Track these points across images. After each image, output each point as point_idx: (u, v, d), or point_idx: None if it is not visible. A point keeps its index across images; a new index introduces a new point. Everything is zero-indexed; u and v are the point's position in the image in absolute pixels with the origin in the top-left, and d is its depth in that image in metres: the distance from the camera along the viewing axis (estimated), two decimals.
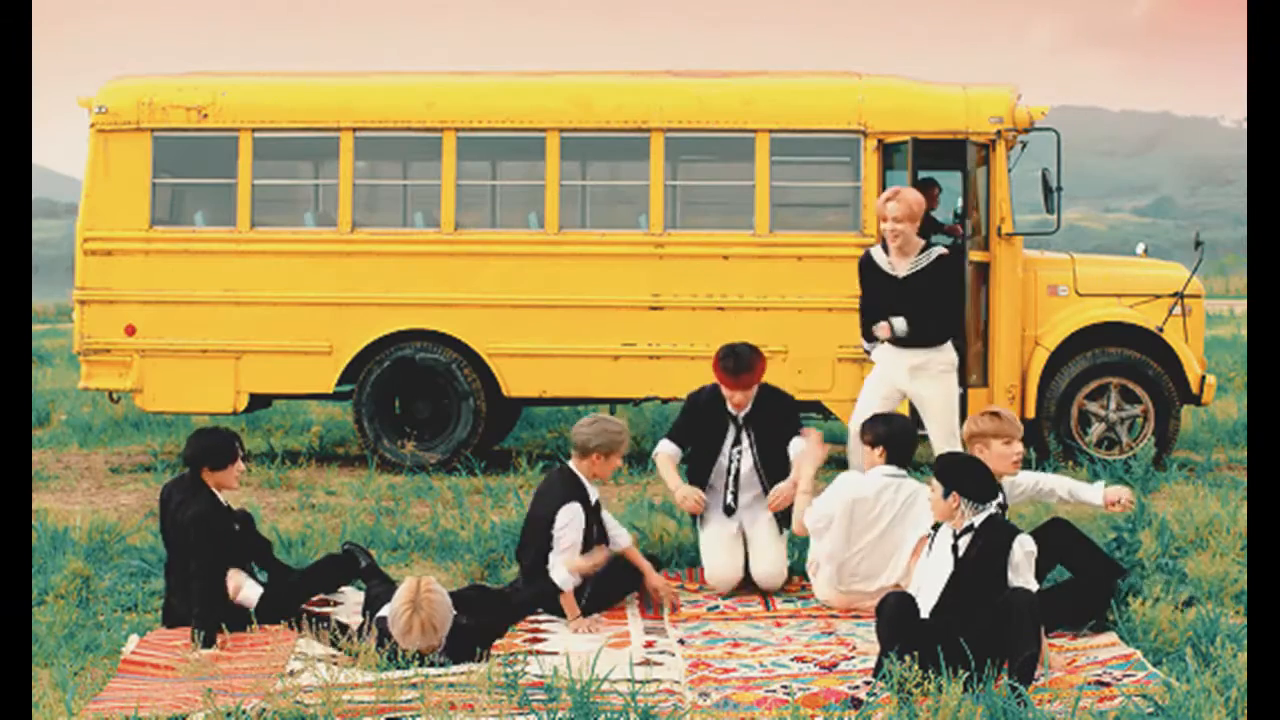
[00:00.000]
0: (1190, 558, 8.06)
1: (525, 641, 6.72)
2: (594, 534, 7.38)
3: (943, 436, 8.31)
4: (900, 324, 8.28)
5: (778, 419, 7.86)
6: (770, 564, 7.73)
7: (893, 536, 7.28)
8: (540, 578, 7.18)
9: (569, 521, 7.22)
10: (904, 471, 7.42)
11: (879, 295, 8.37)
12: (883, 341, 8.33)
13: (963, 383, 11.79)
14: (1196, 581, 7.42)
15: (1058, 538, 6.97)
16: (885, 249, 8.38)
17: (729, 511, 7.77)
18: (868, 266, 8.44)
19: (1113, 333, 11.97)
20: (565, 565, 7.13)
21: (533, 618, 7.16)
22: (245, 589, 6.75)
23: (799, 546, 7.99)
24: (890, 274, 8.32)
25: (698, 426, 7.91)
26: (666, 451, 7.90)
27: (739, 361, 7.68)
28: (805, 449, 7.73)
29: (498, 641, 6.64)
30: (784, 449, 7.81)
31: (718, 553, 7.76)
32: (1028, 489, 7.23)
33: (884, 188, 11.87)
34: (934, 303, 8.27)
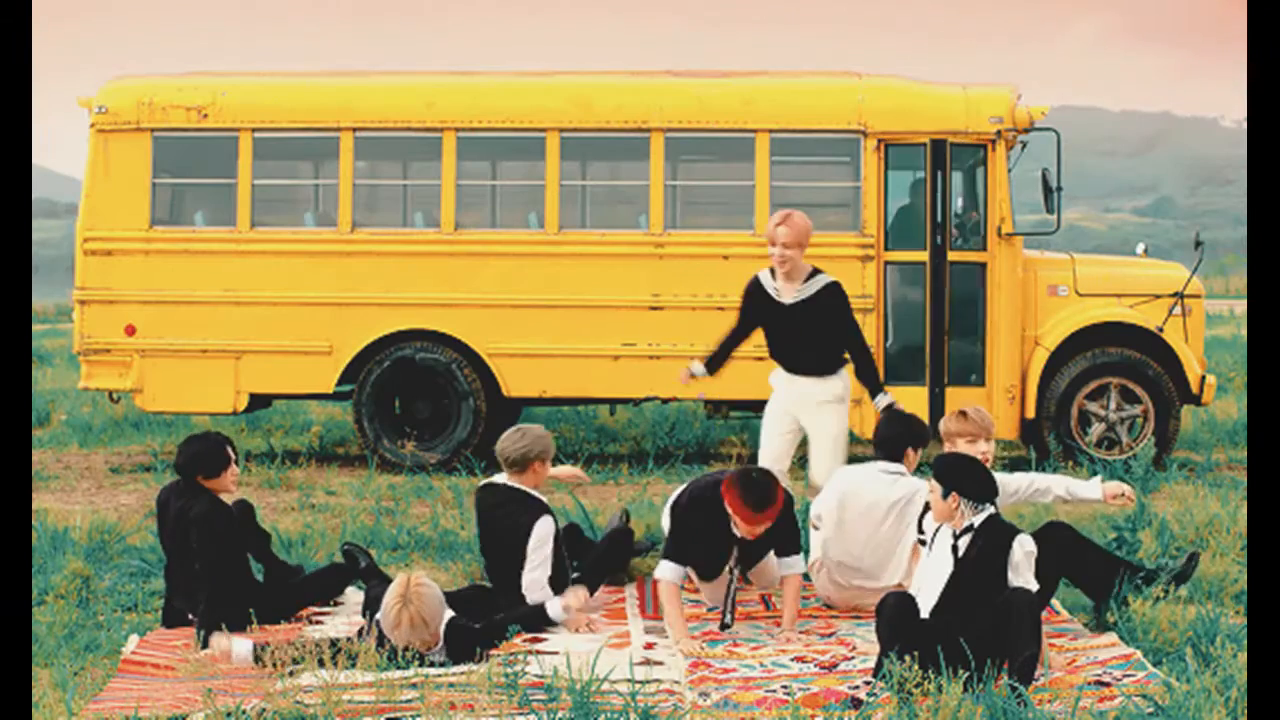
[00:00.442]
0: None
1: (525, 641, 6.72)
2: (562, 550, 7.40)
3: (822, 472, 7.81)
4: (698, 367, 8.11)
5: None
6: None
7: (888, 534, 7.26)
8: (521, 598, 7.14)
9: (545, 537, 7.18)
10: (902, 468, 7.42)
11: (764, 321, 8.04)
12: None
13: (964, 382, 11.82)
14: (1197, 581, 7.42)
15: (1057, 539, 6.96)
16: (773, 274, 8.01)
17: (724, 628, 6.93)
18: (754, 292, 8.05)
19: (1113, 333, 11.97)
20: (559, 604, 7.00)
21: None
22: (235, 649, 6.55)
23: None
24: (777, 300, 7.98)
25: (699, 548, 7.05)
26: (670, 579, 6.90)
27: (762, 496, 6.74)
28: (788, 594, 7.04)
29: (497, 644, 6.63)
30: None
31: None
32: (1022, 490, 7.19)
33: (884, 188, 11.89)
34: (820, 332, 7.92)
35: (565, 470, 8.14)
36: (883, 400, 7.96)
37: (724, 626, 6.89)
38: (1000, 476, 7.05)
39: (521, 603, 7.10)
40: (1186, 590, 7.21)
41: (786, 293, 7.96)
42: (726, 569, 7.01)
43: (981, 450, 7.07)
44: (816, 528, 7.42)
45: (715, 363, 8.25)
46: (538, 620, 6.92)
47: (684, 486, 7.25)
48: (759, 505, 6.72)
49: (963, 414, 7.20)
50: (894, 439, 7.45)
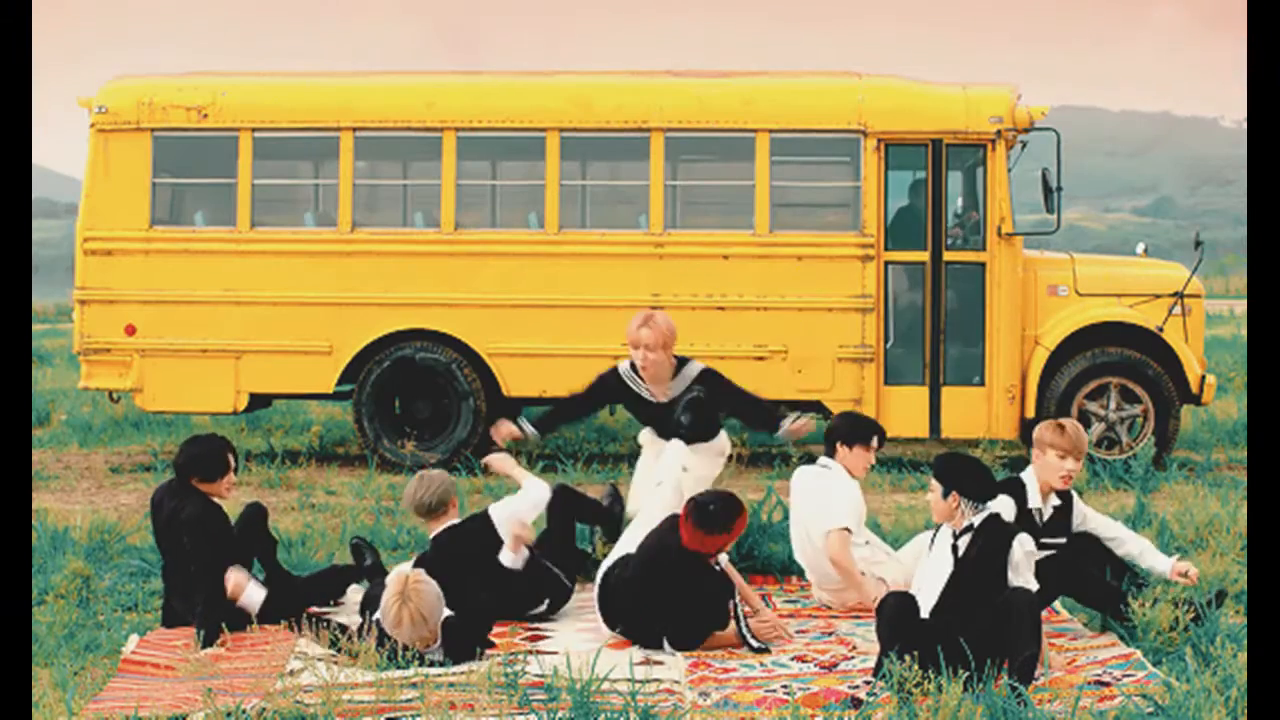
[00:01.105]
0: (1190, 558, 8.06)
1: (525, 640, 6.72)
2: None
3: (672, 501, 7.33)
4: (529, 427, 8.05)
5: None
6: None
7: (815, 525, 7.34)
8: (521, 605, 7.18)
9: (503, 518, 7.22)
10: (830, 463, 7.47)
11: (634, 410, 7.97)
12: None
13: (964, 382, 11.83)
14: (1196, 581, 7.40)
15: (1079, 547, 6.95)
16: (635, 371, 7.85)
17: (764, 650, 6.63)
18: (617, 386, 7.92)
19: (1113, 333, 11.97)
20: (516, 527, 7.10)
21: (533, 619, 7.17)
22: (248, 590, 6.64)
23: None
24: (650, 400, 7.85)
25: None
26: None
27: (723, 515, 6.64)
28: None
29: (497, 643, 6.62)
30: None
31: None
32: (1100, 530, 7.04)
33: (884, 188, 11.89)
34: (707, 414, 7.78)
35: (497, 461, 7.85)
36: (785, 424, 7.97)
37: (763, 649, 6.57)
38: (1089, 512, 7.08)
39: (539, 589, 7.17)
40: (1186, 591, 7.19)
41: (659, 393, 7.84)
42: (730, 608, 6.69)
43: (1069, 469, 6.89)
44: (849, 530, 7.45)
45: (546, 427, 8.18)
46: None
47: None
48: (723, 527, 6.59)
49: (1060, 427, 6.95)
50: (828, 433, 7.58)
